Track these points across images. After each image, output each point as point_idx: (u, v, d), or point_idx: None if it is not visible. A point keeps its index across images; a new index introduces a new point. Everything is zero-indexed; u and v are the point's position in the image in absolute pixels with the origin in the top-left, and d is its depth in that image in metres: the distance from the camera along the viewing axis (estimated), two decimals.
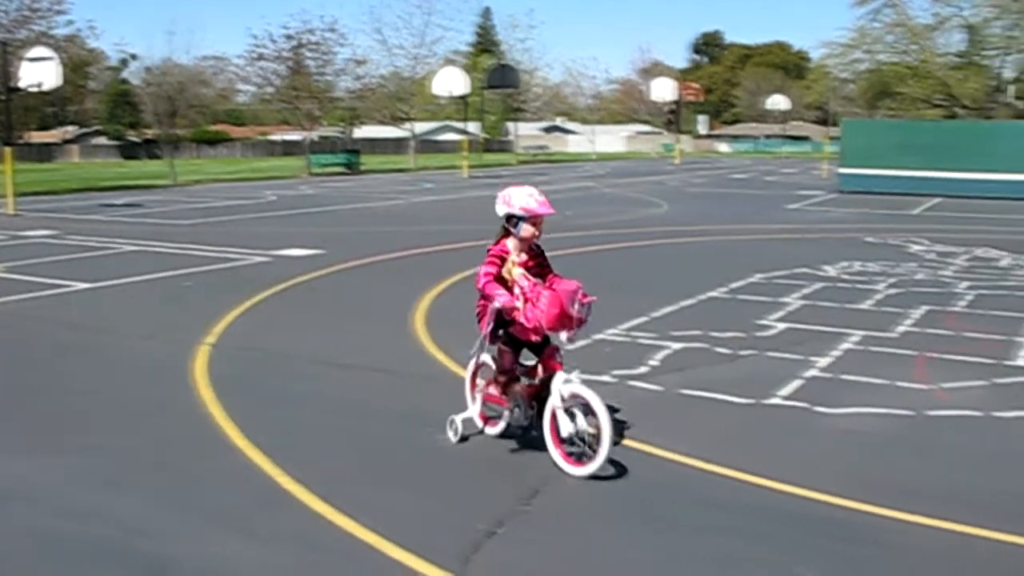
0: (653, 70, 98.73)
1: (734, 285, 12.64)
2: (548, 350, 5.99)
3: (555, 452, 5.91)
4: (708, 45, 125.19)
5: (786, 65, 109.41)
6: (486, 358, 6.42)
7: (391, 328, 10.19)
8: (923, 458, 6.27)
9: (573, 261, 14.51)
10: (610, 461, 5.71)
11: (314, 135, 59.89)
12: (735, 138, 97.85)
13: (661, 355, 8.83)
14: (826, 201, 28.33)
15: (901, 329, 10.06)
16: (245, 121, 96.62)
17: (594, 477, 5.66)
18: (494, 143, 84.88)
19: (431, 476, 5.88)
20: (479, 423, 6.44)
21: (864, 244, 17.44)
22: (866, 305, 11.38)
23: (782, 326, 10.13)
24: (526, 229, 5.99)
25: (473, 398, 6.52)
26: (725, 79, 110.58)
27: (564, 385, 5.83)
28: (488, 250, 6.10)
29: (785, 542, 4.93)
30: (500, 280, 5.97)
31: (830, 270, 13.97)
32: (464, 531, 5.00)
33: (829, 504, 5.41)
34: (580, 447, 5.76)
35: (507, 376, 6.16)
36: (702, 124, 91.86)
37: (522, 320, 5.87)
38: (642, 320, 10.34)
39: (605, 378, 7.97)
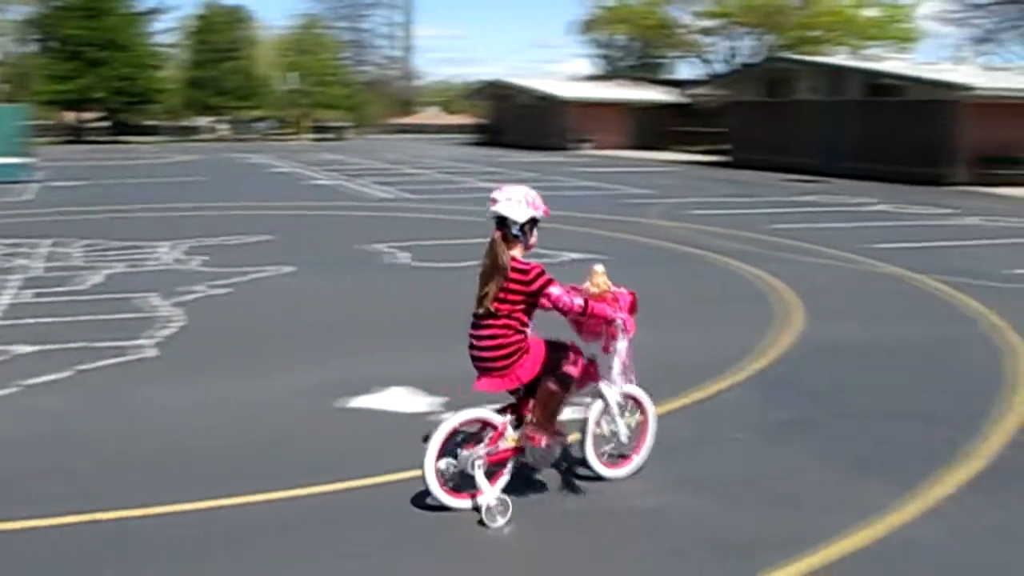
0: None
1: None
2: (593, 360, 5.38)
3: (597, 462, 5.50)
4: None
5: None
6: (479, 414, 5.09)
7: None
8: None
9: None
10: None
11: None
12: None
13: None
14: None
15: None
16: None
17: None
18: None
19: None
20: (454, 501, 5.03)
21: None
22: None
23: None
24: (535, 234, 5.16)
25: (463, 474, 5.01)
26: None
27: (613, 389, 5.37)
28: (531, 269, 4.96)
29: None
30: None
31: None
32: None
33: None
34: (618, 448, 5.54)
35: (562, 402, 5.17)
36: None
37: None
38: None
39: None
